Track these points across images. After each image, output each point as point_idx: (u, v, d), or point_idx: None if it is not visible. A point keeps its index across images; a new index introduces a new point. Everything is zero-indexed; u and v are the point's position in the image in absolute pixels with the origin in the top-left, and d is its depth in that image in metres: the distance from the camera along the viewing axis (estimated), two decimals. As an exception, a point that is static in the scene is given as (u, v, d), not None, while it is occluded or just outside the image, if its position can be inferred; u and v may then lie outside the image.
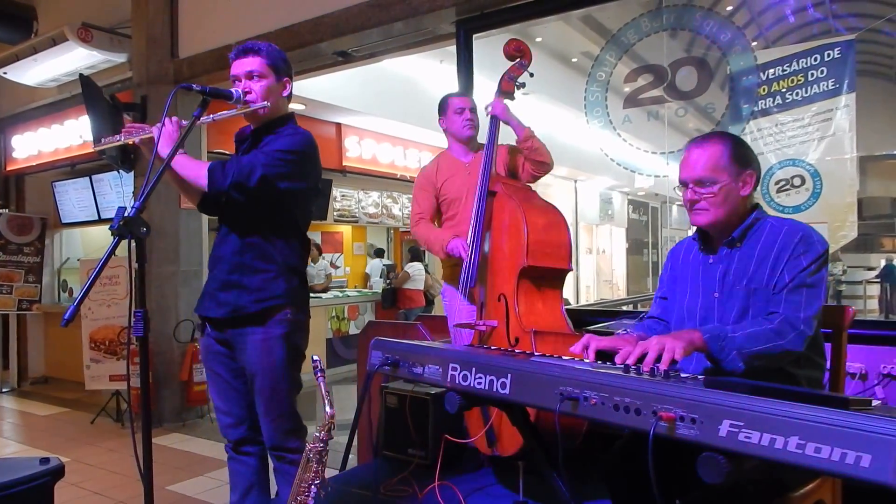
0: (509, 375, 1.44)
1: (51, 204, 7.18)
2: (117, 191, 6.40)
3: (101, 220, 6.65)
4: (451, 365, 1.57)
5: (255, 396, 2.22)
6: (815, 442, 1.00)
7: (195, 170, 2.12)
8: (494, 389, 1.47)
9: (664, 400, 1.17)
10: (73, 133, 6.37)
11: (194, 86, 2.04)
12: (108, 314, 5.39)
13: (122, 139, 2.17)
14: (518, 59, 2.85)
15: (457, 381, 1.55)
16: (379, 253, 9.38)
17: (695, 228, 1.88)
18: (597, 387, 1.28)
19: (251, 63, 2.19)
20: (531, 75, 2.88)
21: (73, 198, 6.93)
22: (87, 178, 6.65)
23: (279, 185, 2.13)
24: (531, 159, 2.81)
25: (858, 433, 0.96)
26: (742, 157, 1.76)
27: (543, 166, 2.82)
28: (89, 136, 5.33)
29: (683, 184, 1.80)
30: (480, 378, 1.50)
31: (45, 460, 2.15)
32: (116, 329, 5.34)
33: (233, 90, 2.16)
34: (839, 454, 0.97)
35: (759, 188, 2.90)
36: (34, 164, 6.98)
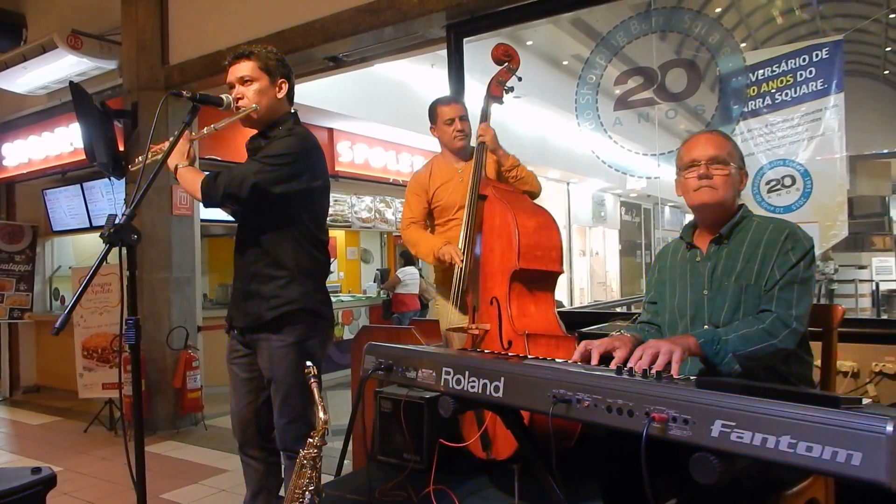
0: (502, 379, 1.44)
1: (42, 212, 7.14)
2: (108, 198, 6.38)
3: (92, 228, 6.61)
4: (444, 369, 1.57)
5: (272, 398, 2.27)
6: (807, 441, 1.00)
7: (192, 183, 2.16)
8: (488, 393, 1.47)
9: (656, 401, 1.17)
10: (64, 140, 6.34)
11: (184, 93, 2.06)
12: (100, 322, 5.36)
13: (150, 157, 2.22)
14: (506, 63, 2.87)
15: (450, 385, 1.55)
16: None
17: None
18: (589, 389, 1.28)
19: (244, 68, 2.21)
20: (519, 79, 2.89)
21: (65, 205, 6.90)
22: (79, 186, 6.63)
23: (274, 190, 2.14)
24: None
25: (849, 431, 0.96)
26: (741, 156, 1.84)
27: (529, 194, 2.83)
28: (80, 144, 5.31)
29: (694, 163, 1.79)
30: (474, 382, 1.50)
31: (36, 470, 2.14)
32: (109, 337, 5.30)
33: (223, 97, 2.17)
34: (830, 453, 0.98)
35: (749, 188, 2.94)
36: (24, 171, 6.94)
